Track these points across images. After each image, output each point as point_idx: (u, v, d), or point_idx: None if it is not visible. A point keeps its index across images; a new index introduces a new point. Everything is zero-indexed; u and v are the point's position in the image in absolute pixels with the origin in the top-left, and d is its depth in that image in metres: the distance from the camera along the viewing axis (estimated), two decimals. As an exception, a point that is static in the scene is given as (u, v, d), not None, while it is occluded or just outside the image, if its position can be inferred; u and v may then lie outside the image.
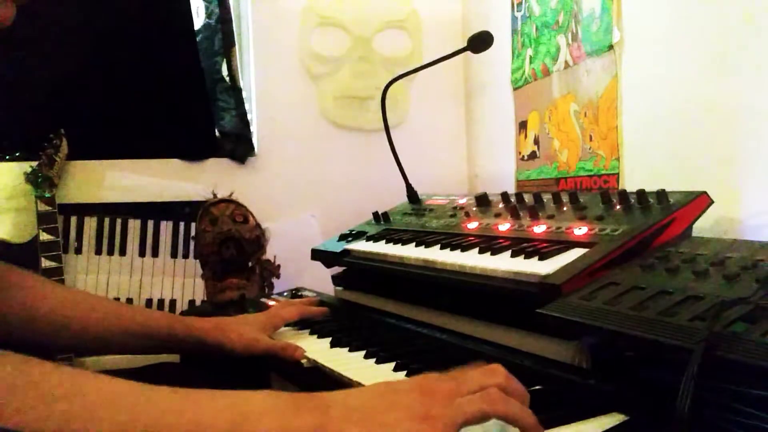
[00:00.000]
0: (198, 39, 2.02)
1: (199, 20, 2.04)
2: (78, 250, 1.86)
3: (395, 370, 0.85)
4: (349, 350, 0.98)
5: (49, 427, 0.52)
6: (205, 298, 1.72)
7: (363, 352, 0.94)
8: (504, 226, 1.11)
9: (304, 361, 0.98)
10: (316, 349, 1.01)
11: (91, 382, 0.56)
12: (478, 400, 0.58)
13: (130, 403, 0.55)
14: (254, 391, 0.59)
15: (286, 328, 1.18)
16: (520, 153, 1.93)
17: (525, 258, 0.92)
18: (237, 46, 2.03)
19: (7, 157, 1.83)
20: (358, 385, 0.81)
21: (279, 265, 1.80)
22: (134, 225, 1.92)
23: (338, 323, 1.19)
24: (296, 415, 0.57)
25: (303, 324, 1.17)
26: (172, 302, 1.91)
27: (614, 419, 0.65)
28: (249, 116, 2.06)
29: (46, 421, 0.52)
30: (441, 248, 1.10)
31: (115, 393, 0.56)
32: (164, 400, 0.56)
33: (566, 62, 1.68)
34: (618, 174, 1.49)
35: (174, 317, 1.15)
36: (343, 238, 1.41)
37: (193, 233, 1.82)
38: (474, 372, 0.62)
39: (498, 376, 0.62)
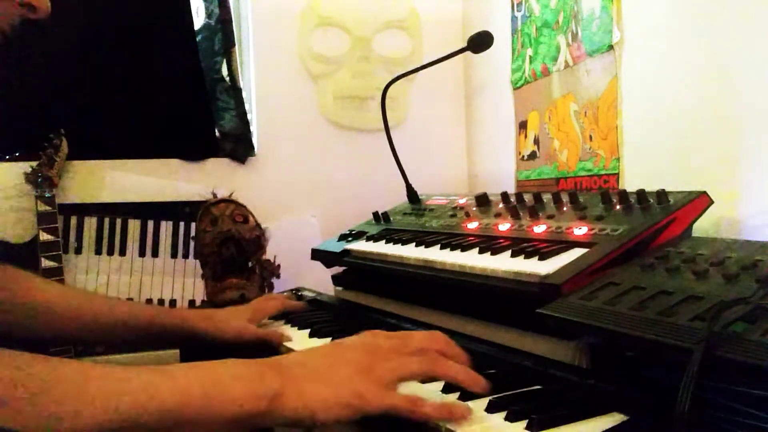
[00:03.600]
0: (198, 39, 2.02)
1: (199, 20, 2.04)
2: (78, 250, 1.86)
3: (395, 370, 0.85)
4: (349, 350, 0.98)
5: (45, 411, 0.55)
6: (205, 298, 1.72)
7: (363, 352, 0.94)
8: (504, 226, 1.11)
9: (282, 349, 1.04)
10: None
11: (76, 367, 0.61)
12: (419, 360, 0.67)
13: (112, 382, 0.60)
14: (221, 361, 0.66)
15: (287, 327, 1.19)
16: (520, 153, 1.93)
17: (525, 258, 0.92)
18: (237, 46, 2.03)
19: (7, 157, 1.83)
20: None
21: (279, 265, 1.79)
22: (134, 225, 1.92)
23: (338, 323, 1.19)
24: (262, 379, 0.64)
25: (303, 324, 1.17)
26: (172, 302, 1.91)
27: (614, 419, 0.65)
28: (249, 116, 2.06)
29: (41, 406, 0.55)
30: (441, 248, 1.10)
31: (99, 375, 0.60)
32: (143, 376, 0.61)
33: (566, 62, 1.68)
34: (618, 174, 1.49)
35: (165, 309, 1.21)
36: (343, 238, 1.42)
37: (193, 233, 1.82)
38: (417, 335, 0.71)
39: (439, 342, 0.70)
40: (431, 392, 0.74)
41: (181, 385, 0.62)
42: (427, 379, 0.74)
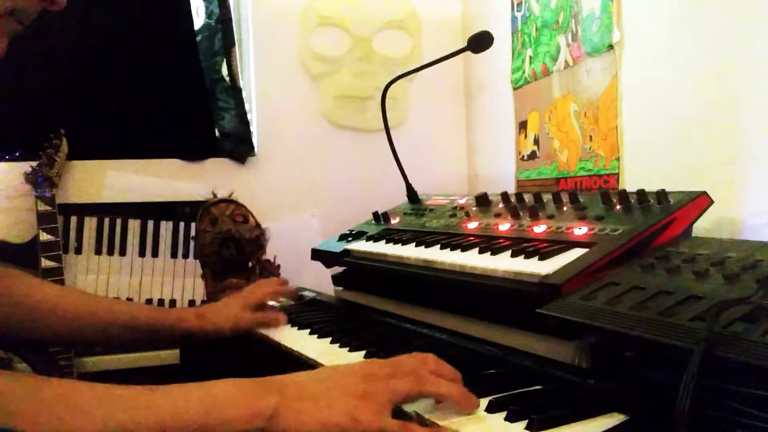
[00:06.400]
0: (198, 39, 2.02)
1: (199, 20, 2.04)
2: (78, 250, 1.86)
3: (395, 370, 0.85)
4: (350, 350, 0.98)
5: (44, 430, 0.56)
6: (205, 298, 1.72)
7: (363, 352, 0.94)
8: (504, 226, 1.11)
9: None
10: (317, 349, 1.01)
11: (76, 388, 0.62)
12: (410, 381, 0.69)
13: (112, 400, 0.61)
14: (220, 380, 0.67)
15: (287, 327, 1.19)
16: (520, 153, 1.93)
17: (525, 258, 0.92)
18: (237, 46, 2.03)
19: (7, 157, 1.83)
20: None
21: (279, 265, 1.79)
22: (134, 225, 1.92)
23: (338, 323, 1.19)
24: (259, 398, 0.65)
25: (303, 324, 1.17)
26: (172, 302, 1.91)
27: (614, 419, 0.65)
28: (249, 116, 2.06)
29: (40, 425, 0.57)
30: (441, 248, 1.10)
31: (99, 393, 0.61)
32: (142, 397, 0.62)
33: (566, 62, 1.68)
34: (618, 174, 1.49)
35: (162, 310, 1.22)
36: (343, 238, 1.42)
37: (193, 233, 1.82)
38: (408, 359, 0.73)
39: (430, 363, 0.73)
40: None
41: (180, 403, 0.63)
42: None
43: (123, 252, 1.90)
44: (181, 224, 1.95)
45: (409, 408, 0.70)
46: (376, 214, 1.49)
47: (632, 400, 0.67)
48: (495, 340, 0.94)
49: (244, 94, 2.04)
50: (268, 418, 0.64)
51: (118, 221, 1.91)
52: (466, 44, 1.55)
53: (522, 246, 0.97)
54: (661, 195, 0.95)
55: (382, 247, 1.25)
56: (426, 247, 1.14)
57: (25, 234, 1.81)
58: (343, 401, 0.66)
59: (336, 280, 1.46)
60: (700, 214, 0.95)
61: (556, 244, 0.94)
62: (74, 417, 0.58)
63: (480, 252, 1.02)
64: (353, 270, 1.38)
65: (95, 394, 0.61)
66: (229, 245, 1.59)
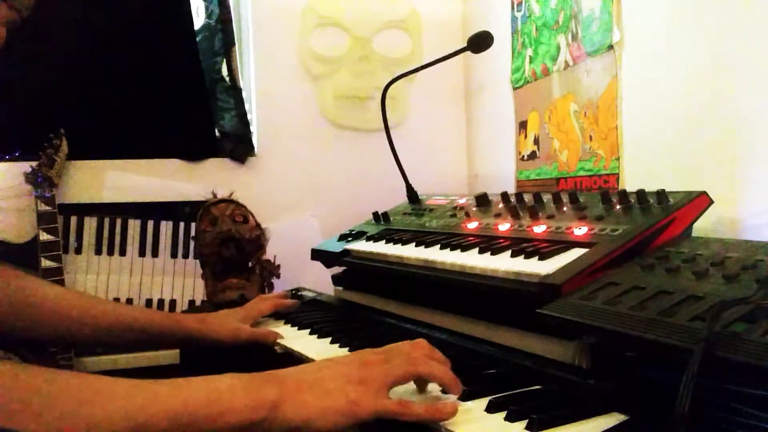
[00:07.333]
0: (198, 39, 2.02)
1: (199, 20, 2.04)
2: (78, 250, 1.86)
3: (395, 370, 0.85)
4: (350, 350, 0.98)
5: (52, 424, 0.57)
6: (205, 298, 1.72)
7: (363, 352, 0.94)
8: (504, 226, 1.11)
9: (277, 347, 1.08)
10: (317, 349, 1.02)
11: (84, 380, 0.63)
12: (404, 363, 0.72)
13: (120, 391, 0.62)
14: (221, 375, 0.69)
15: (287, 327, 1.19)
16: (520, 153, 1.93)
17: (525, 258, 0.92)
18: (237, 46, 2.03)
19: (7, 157, 1.83)
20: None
21: (279, 265, 1.79)
22: (134, 225, 1.92)
23: (338, 323, 1.19)
24: (259, 390, 0.67)
25: (303, 324, 1.17)
26: (172, 302, 1.91)
27: (614, 419, 0.65)
28: (249, 116, 2.06)
29: (49, 419, 0.57)
30: (441, 248, 1.10)
31: (108, 384, 0.63)
32: (149, 388, 0.64)
33: (566, 62, 1.68)
34: (618, 174, 1.49)
35: (165, 314, 1.27)
36: (343, 238, 1.42)
37: (193, 233, 1.82)
38: (402, 344, 0.77)
39: (423, 348, 0.76)
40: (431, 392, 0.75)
41: (185, 394, 0.64)
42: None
43: (123, 252, 1.90)
44: (181, 224, 1.95)
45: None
46: (376, 214, 1.49)
47: (632, 400, 0.67)
48: (495, 340, 0.94)
49: (244, 94, 2.04)
50: (270, 408, 0.66)
51: (118, 221, 1.90)
52: (466, 44, 1.55)
53: (522, 246, 0.97)
54: (661, 195, 0.95)
55: (382, 247, 1.25)
56: (426, 247, 1.14)
57: (25, 234, 1.81)
58: (342, 388, 0.68)
59: (336, 280, 1.46)
60: (700, 214, 0.95)
61: (556, 244, 0.94)
62: (84, 409, 0.58)
63: (480, 252, 1.02)
64: (353, 270, 1.38)
65: (103, 385, 0.62)
66: (229, 245, 1.58)
